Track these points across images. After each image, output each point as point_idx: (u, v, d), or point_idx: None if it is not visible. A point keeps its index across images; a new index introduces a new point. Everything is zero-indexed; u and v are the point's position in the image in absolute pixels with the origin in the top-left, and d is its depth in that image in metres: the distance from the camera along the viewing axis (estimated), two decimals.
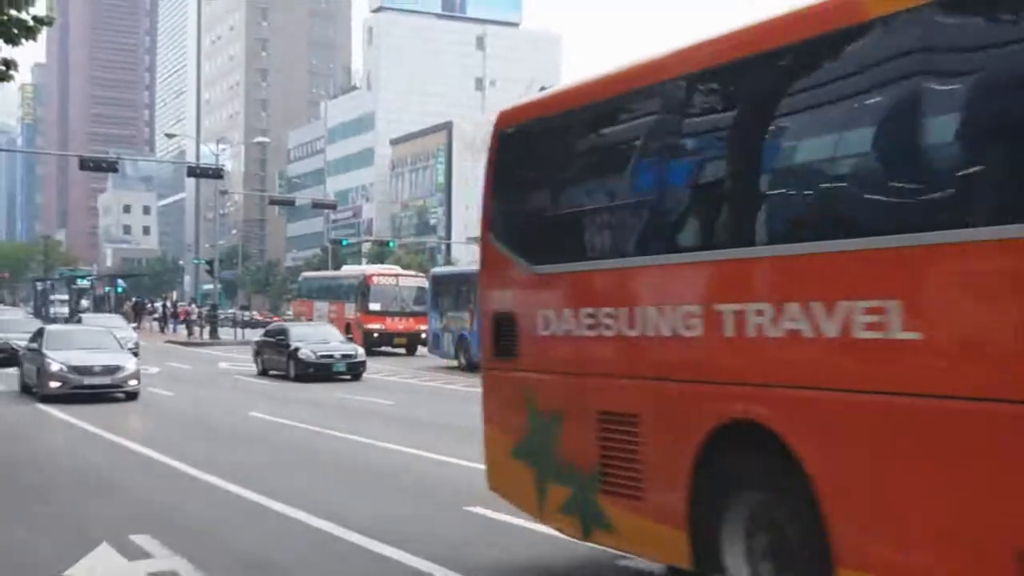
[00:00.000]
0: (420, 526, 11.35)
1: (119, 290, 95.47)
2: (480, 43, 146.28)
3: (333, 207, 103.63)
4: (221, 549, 10.32)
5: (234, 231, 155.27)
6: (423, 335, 47.15)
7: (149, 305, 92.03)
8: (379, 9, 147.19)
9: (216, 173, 63.51)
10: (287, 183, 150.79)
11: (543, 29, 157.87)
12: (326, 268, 77.35)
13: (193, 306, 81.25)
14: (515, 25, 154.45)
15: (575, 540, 8.83)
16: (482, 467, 15.31)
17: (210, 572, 9.08)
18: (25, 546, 10.58)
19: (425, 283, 51.74)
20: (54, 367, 25.77)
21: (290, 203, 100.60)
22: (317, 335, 36.72)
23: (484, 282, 10.13)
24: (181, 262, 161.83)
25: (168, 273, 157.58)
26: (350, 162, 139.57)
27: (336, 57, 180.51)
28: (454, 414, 22.14)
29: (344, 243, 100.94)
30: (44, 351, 26.65)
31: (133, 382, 26.48)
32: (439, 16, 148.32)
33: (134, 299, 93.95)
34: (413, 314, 49.37)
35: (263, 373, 36.47)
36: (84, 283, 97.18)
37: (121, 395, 26.19)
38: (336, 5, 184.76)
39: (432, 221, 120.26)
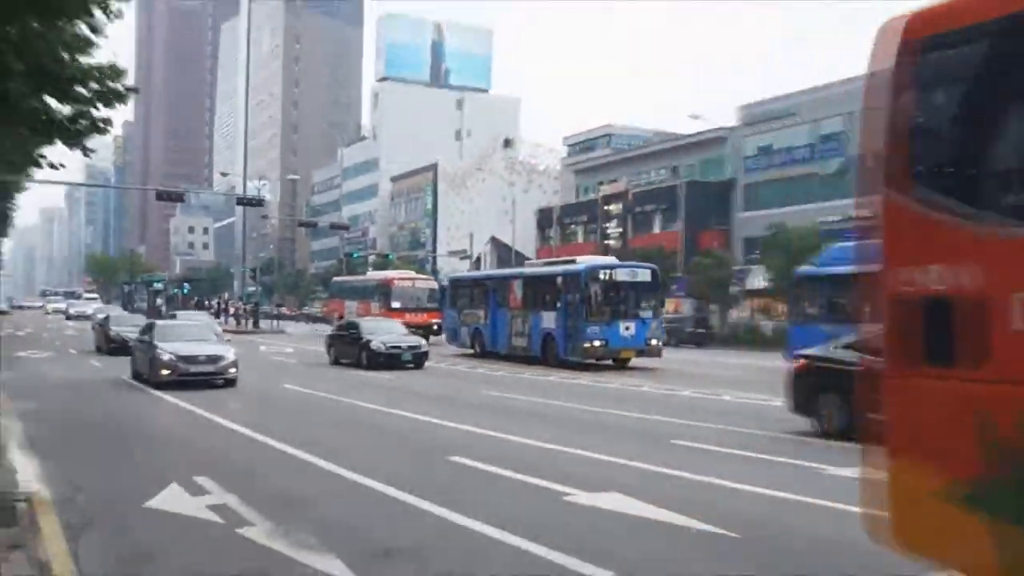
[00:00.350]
0: (415, 472, 11.43)
1: (184, 291, 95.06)
2: (459, 104, 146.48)
3: (346, 228, 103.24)
4: (264, 488, 10.35)
5: (271, 246, 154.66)
6: (435, 327, 45.54)
7: (207, 302, 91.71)
8: (383, 79, 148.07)
9: (258, 202, 63.42)
10: (312, 210, 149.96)
11: (507, 94, 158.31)
12: (342, 275, 76.82)
13: (239, 303, 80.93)
14: (486, 91, 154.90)
15: None
16: (466, 428, 15.52)
17: (253, 504, 9.10)
18: (116, 484, 10.62)
19: (435, 285, 51.11)
20: (165, 356, 22.65)
21: (313, 225, 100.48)
22: (385, 329, 32.86)
23: (890, 250, 5.30)
24: (232, 270, 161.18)
25: (222, 278, 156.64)
26: (360, 194, 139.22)
27: (350, 114, 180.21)
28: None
29: (354, 256, 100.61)
30: (155, 342, 23.47)
31: (232, 370, 23.14)
32: (428, 85, 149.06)
33: (196, 298, 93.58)
34: (427, 310, 47.39)
35: (335, 362, 32.69)
36: (158, 286, 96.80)
37: (220, 381, 22.86)
38: (350, 76, 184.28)
39: (422, 239, 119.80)
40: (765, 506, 9.40)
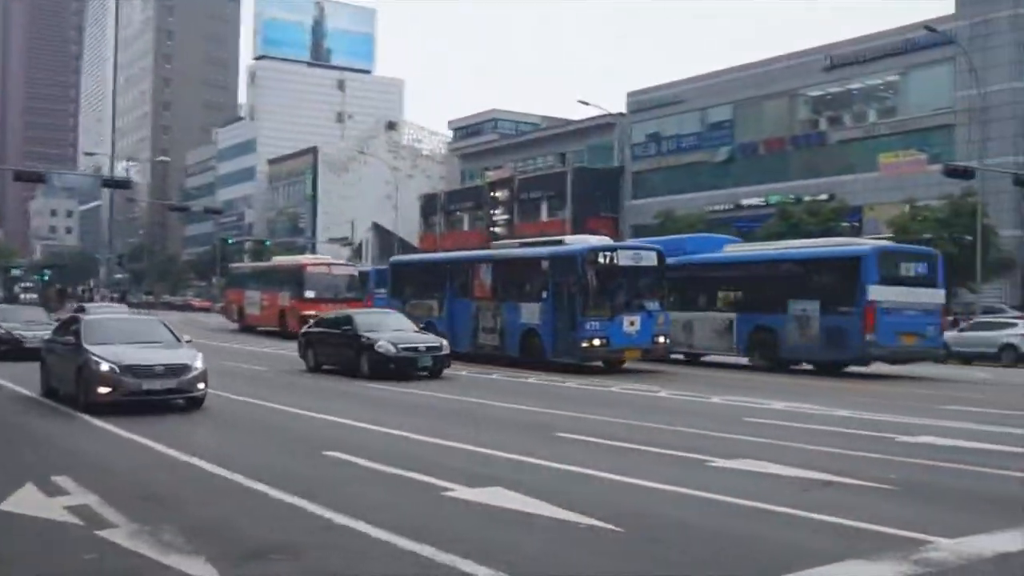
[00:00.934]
0: (288, 467, 11.26)
1: (44, 278, 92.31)
2: (340, 85, 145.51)
3: (219, 212, 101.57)
4: (127, 488, 10.00)
5: (141, 231, 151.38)
6: None
7: (69, 291, 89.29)
8: (260, 57, 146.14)
9: (126, 184, 62.25)
10: (184, 193, 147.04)
11: (390, 76, 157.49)
12: (216, 263, 75.27)
13: (104, 291, 78.94)
14: (368, 72, 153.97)
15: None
16: (348, 422, 15.33)
17: (117, 505, 8.78)
18: None
19: (355, 271, 47.09)
20: (103, 367, 15.77)
21: (185, 209, 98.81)
22: (388, 324, 25.72)
23: None
24: (98, 256, 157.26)
25: (87, 265, 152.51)
26: (236, 177, 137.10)
27: (226, 94, 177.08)
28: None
29: (229, 242, 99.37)
30: (84, 345, 16.44)
31: (200, 385, 16.48)
32: (308, 64, 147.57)
33: (58, 286, 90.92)
34: (346, 300, 41.66)
35: (316, 369, 25.91)
36: (17, 272, 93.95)
37: (181, 401, 16.47)
38: (226, 52, 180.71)
39: (301, 225, 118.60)
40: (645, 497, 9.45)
